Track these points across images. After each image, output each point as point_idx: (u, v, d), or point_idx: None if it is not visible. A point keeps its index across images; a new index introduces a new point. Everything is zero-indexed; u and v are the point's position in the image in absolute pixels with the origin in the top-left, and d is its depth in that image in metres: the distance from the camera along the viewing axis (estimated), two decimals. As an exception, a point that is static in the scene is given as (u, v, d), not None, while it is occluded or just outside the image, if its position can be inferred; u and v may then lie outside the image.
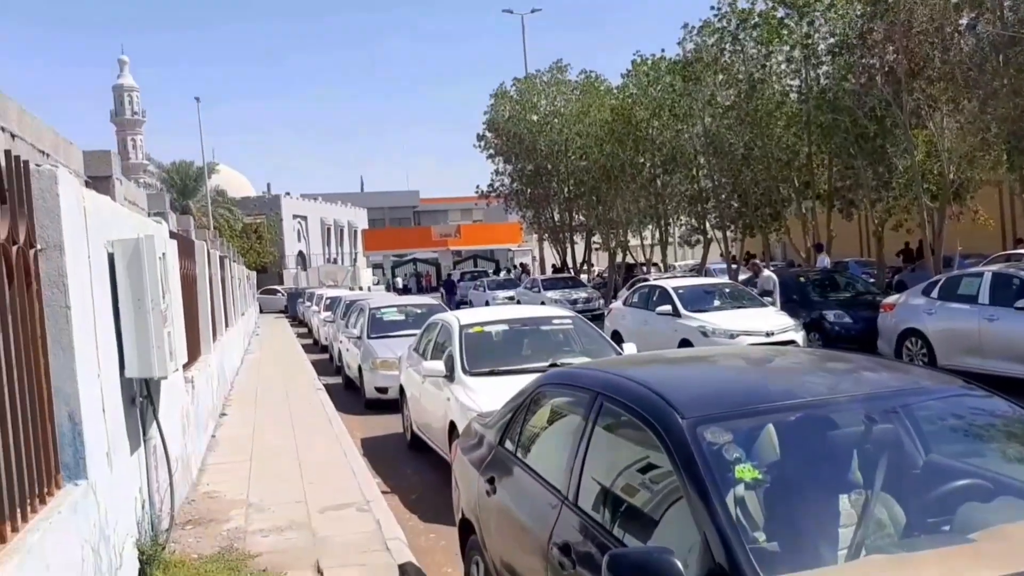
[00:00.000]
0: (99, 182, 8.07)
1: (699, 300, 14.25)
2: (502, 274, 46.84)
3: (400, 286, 55.41)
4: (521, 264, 50.48)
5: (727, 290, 14.96)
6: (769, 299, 14.61)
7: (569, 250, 36.65)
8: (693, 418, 3.02)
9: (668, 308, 13.94)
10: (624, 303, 16.22)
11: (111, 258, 4.80)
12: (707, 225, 26.75)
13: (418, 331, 10.51)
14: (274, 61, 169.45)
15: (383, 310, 14.56)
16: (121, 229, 5.05)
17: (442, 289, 38.97)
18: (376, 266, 65.85)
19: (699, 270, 27.30)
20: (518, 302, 29.11)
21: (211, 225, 43.51)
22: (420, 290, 58.01)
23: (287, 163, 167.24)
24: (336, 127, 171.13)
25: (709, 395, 3.34)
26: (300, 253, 66.77)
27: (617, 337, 15.04)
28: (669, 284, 15.01)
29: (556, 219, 36.62)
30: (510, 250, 61.34)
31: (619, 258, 32.90)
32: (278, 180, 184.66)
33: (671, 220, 30.40)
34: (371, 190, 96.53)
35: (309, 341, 26.18)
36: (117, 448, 4.49)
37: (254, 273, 43.25)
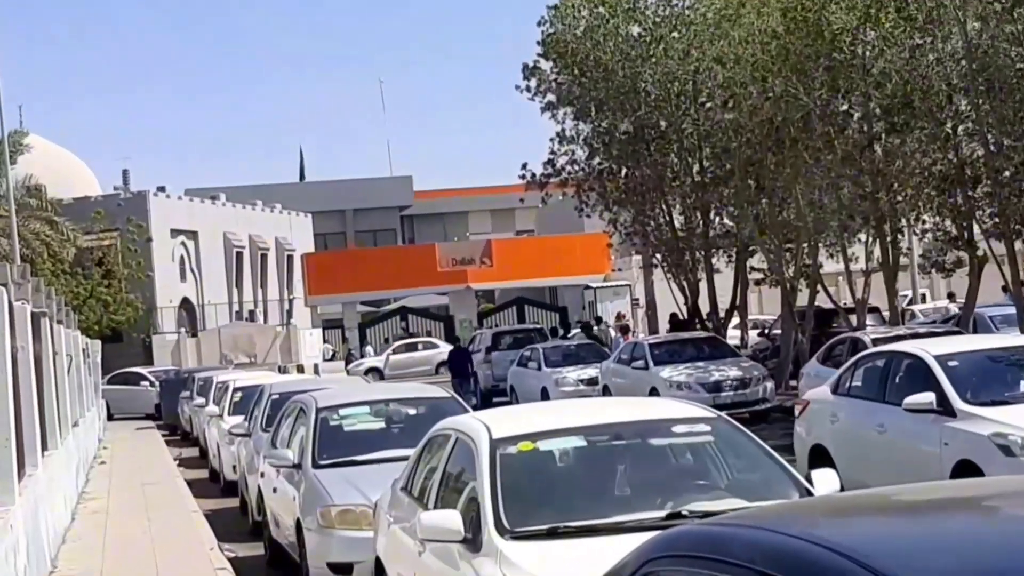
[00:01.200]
0: None
1: (993, 381, 14.08)
2: (574, 335, 46.73)
3: (374, 363, 55.65)
4: (618, 323, 50.34)
5: None
6: None
7: (705, 285, 36.57)
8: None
9: (930, 399, 13.72)
10: (836, 390, 15.96)
11: None
12: (975, 230, 26.47)
13: (409, 452, 10.55)
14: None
15: (342, 412, 14.64)
16: None
17: (450, 367, 39.17)
18: (331, 324, 66.23)
19: (963, 320, 26.98)
20: (605, 390, 28.93)
21: (17, 252, 44.33)
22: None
23: (172, 145, 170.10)
24: (256, 91, 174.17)
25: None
26: (186, 302, 67.55)
27: (821, 455, 14.82)
28: (929, 349, 14.82)
29: (678, 225, 36.67)
30: (588, 287, 61.58)
31: (800, 298, 32.68)
32: (149, 171, 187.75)
33: (905, 222, 30.16)
34: (320, 177, 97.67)
35: (202, 473, 26.33)
36: None
37: (98, 343, 43.77)
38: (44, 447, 14.78)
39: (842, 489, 8.26)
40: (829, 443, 15.23)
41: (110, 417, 43.69)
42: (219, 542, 16.07)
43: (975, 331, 24.81)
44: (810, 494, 7.96)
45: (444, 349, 51.75)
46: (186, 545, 15.94)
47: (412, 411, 14.69)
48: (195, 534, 16.83)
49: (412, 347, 57.06)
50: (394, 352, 56.44)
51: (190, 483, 23.45)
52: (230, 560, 14.76)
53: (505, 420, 9.44)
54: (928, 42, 24.95)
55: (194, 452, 31.30)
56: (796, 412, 16.98)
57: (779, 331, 34.69)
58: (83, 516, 19.39)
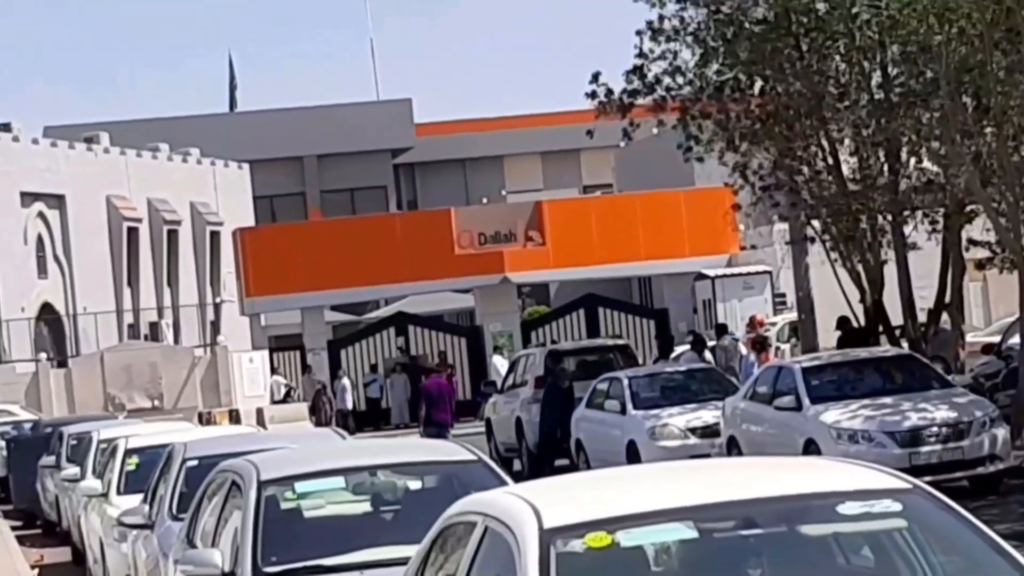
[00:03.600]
0: None
1: None
2: (681, 355, 46.81)
3: (347, 401, 57.29)
4: (751, 334, 50.45)
5: None
6: None
7: (893, 269, 36.63)
8: None
9: None
10: None
11: None
12: None
13: (410, 551, 10.62)
14: None
15: (300, 487, 14.71)
16: None
17: (422, 405, 41.13)
18: (284, 343, 66.40)
19: None
20: (732, 444, 29.04)
21: None
22: (418, 407, 58.43)
23: (25, 63, 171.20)
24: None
25: None
26: (47, 311, 67.93)
27: None
28: None
29: (848, 172, 36.78)
30: (703, 276, 61.77)
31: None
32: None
33: None
34: (264, 105, 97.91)
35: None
36: None
37: None
38: None
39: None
40: None
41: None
42: None
43: None
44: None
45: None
46: None
47: (415, 484, 14.79)
48: None
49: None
50: None
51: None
52: None
53: (564, 497, 9.36)
54: None
55: (64, 554, 31.41)
56: None
57: (1016, 343, 34.60)
58: None
